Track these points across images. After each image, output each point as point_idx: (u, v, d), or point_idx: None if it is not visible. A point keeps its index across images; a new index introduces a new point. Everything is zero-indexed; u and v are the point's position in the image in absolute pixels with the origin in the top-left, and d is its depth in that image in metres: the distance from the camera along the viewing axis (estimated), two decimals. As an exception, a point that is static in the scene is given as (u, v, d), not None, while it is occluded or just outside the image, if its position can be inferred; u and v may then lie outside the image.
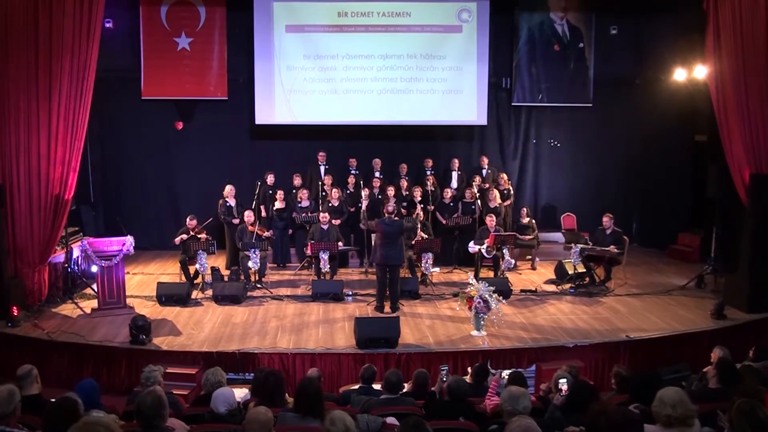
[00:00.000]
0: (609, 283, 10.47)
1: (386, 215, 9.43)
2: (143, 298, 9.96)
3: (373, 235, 10.24)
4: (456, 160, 12.70)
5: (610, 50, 13.33)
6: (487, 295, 8.31)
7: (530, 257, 12.13)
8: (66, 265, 9.87)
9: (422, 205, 11.57)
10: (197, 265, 10.29)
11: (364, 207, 11.29)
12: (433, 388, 6.11)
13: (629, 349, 8.26)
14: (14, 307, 8.58)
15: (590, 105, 13.42)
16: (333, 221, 10.98)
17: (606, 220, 10.55)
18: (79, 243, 9.91)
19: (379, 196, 11.85)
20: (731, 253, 10.03)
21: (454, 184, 12.56)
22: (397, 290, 9.38)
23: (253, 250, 10.14)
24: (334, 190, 11.74)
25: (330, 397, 6.06)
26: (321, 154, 12.51)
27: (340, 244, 10.72)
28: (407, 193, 11.98)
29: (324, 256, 10.28)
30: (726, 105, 9.53)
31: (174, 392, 6.16)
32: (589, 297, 10.04)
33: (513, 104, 13.48)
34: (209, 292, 10.10)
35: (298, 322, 8.99)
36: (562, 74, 13.30)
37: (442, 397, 5.71)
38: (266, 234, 10.89)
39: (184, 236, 10.40)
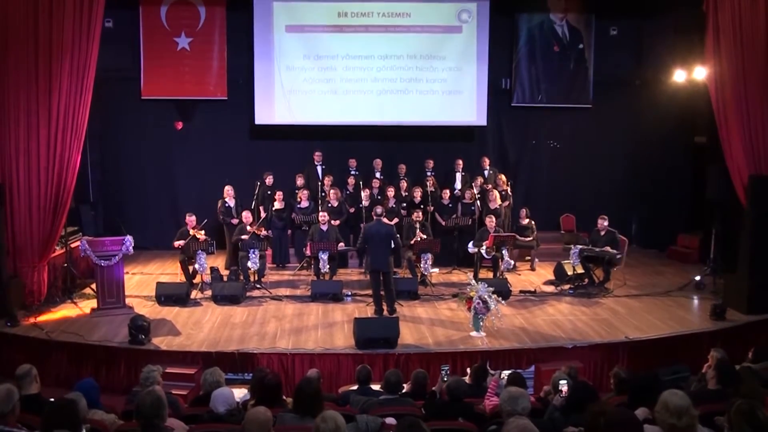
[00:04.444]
0: (608, 283, 10.47)
1: (374, 217, 9.40)
2: (142, 297, 9.95)
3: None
4: (460, 161, 12.69)
5: (609, 51, 13.33)
6: (486, 296, 8.31)
7: (529, 258, 12.13)
8: (65, 264, 9.87)
9: (422, 206, 11.55)
10: (196, 265, 10.29)
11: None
12: (433, 388, 6.12)
13: (628, 350, 8.26)
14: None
15: (590, 106, 13.43)
16: (332, 222, 10.98)
17: (600, 221, 10.57)
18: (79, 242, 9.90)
19: (379, 197, 11.86)
20: (730, 254, 10.03)
21: (458, 185, 12.54)
22: (392, 293, 9.32)
23: (252, 250, 10.14)
24: (332, 190, 11.74)
25: (329, 397, 6.06)
26: (317, 154, 12.51)
27: (341, 245, 10.72)
28: (407, 193, 11.98)
29: (323, 257, 10.29)
30: (725, 106, 9.53)
31: (173, 392, 6.17)
32: (588, 298, 10.05)
33: (513, 105, 13.47)
34: (208, 292, 10.10)
35: (298, 322, 8.99)
36: (562, 75, 13.31)
37: (443, 397, 5.71)
38: (264, 233, 10.87)
39: (182, 242, 10.37)
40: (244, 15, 12.62)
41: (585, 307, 9.68)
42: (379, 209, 9.45)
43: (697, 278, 10.51)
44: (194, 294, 10.10)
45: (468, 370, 6.85)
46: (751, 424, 3.67)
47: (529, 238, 11.67)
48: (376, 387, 6.14)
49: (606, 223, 10.56)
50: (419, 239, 10.58)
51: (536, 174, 13.83)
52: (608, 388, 6.42)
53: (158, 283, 9.98)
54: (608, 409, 3.79)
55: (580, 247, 10.34)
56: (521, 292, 10.38)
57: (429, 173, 12.49)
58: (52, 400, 4.49)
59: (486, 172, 12.66)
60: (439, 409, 5.25)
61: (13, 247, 9.17)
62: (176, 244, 10.42)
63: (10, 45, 8.89)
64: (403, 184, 12.16)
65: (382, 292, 9.22)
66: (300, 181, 12.07)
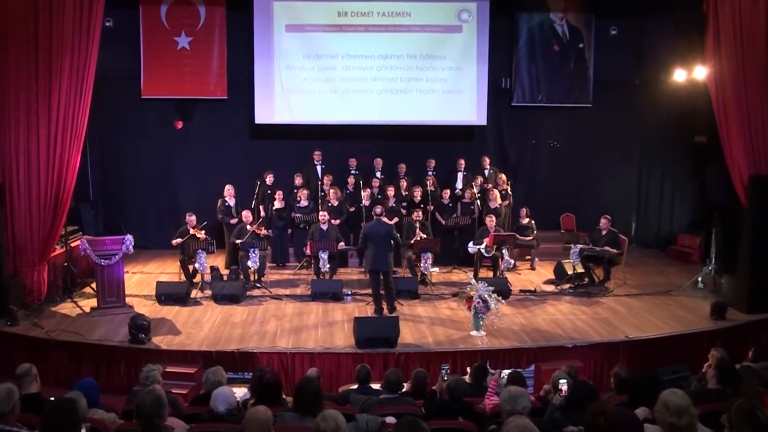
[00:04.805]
0: (608, 283, 10.48)
1: (374, 217, 9.42)
2: (142, 297, 9.95)
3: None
4: (462, 161, 12.69)
5: (609, 51, 13.32)
6: (486, 295, 8.31)
7: (529, 257, 12.13)
8: (66, 263, 9.87)
9: (422, 206, 11.55)
10: (196, 264, 10.29)
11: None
12: (434, 387, 6.12)
13: (628, 350, 8.27)
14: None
15: (590, 105, 13.42)
16: (332, 221, 10.98)
17: (603, 221, 10.58)
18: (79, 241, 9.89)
19: (379, 196, 11.86)
20: (731, 253, 10.03)
21: (460, 184, 12.54)
22: (392, 293, 9.34)
23: (252, 249, 10.14)
24: (332, 190, 11.74)
25: (329, 396, 6.07)
26: (317, 153, 12.50)
27: (341, 244, 10.72)
28: (407, 193, 11.98)
29: (323, 256, 10.30)
30: (726, 106, 9.52)
31: (173, 391, 6.16)
32: (588, 297, 10.05)
33: (513, 104, 13.47)
34: (208, 292, 10.10)
35: (298, 321, 8.99)
36: (562, 75, 13.30)
37: (443, 396, 5.71)
38: (264, 232, 10.85)
39: (179, 240, 10.37)
40: (244, 14, 12.60)
41: (585, 306, 9.69)
42: (378, 209, 9.46)
43: (701, 276, 10.52)
44: (194, 293, 10.10)
45: (468, 369, 6.85)
46: (751, 424, 3.66)
47: (529, 238, 11.67)
48: (376, 386, 6.14)
49: (609, 224, 10.56)
50: (419, 238, 10.59)
51: (536, 173, 13.83)
52: (608, 387, 6.43)
53: (158, 283, 9.98)
54: (608, 409, 3.79)
55: (580, 246, 10.35)
56: (521, 291, 10.39)
57: (430, 172, 12.49)
58: (52, 399, 4.49)
59: (486, 172, 12.65)
60: (439, 408, 5.25)
61: (13, 247, 9.17)
62: (174, 242, 10.43)
63: (10, 44, 8.88)
64: (403, 184, 12.16)
65: (382, 292, 9.23)
66: (298, 181, 12.07)
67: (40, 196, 9.16)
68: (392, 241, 9.34)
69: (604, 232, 10.53)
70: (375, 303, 9.28)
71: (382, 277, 9.20)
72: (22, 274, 9.26)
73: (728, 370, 5.49)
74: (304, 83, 12.80)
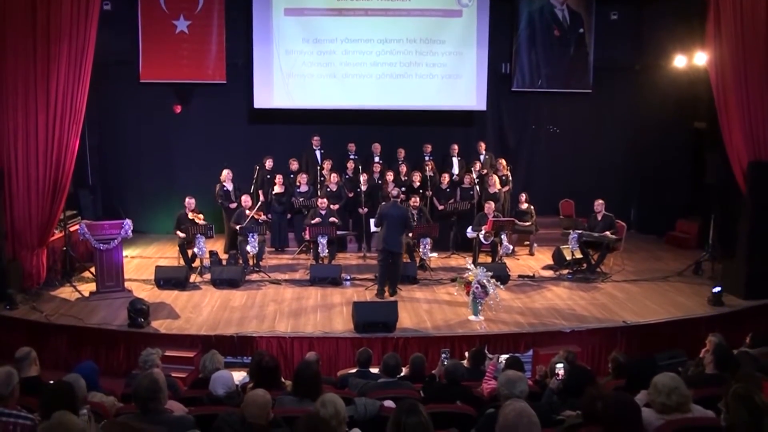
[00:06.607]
0: (600, 266, 10.48)
1: (391, 199, 9.44)
2: (141, 281, 9.97)
3: (372, 220, 10.23)
4: (455, 146, 12.66)
5: (610, 36, 13.27)
6: (484, 281, 8.34)
7: (528, 243, 12.14)
8: (64, 248, 9.87)
9: (421, 191, 11.54)
10: (195, 249, 10.29)
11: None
12: (433, 372, 6.15)
13: (626, 335, 8.30)
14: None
15: (590, 91, 13.37)
16: (331, 206, 10.98)
17: (597, 204, 10.54)
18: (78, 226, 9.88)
19: (379, 181, 11.84)
20: (729, 239, 10.04)
21: (455, 169, 12.52)
22: (398, 275, 9.41)
23: (251, 234, 10.14)
24: (332, 174, 11.73)
25: (328, 380, 6.09)
26: (315, 138, 12.44)
27: (333, 219, 10.72)
28: (406, 178, 11.96)
29: (322, 241, 10.31)
30: (726, 92, 9.49)
31: (172, 375, 6.19)
32: (586, 283, 10.08)
33: (512, 90, 13.42)
34: (207, 276, 10.10)
35: (296, 306, 9.02)
36: (562, 60, 13.25)
37: (441, 380, 5.73)
38: (263, 218, 10.83)
39: (181, 234, 10.39)
40: (243, -2, 12.55)
41: (583, 291, 9.71)
42: (395, 191, 9.54)
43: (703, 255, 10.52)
44: (193, 278, 10.11)
45: (466, 353, 6.87)
46: (748, 409, 3.68)
47: (528, 223, 11.68)
48: (374, 370, 6.17)
49: (603, 207, 10.53)
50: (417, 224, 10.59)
51: (535, 159, 13.80)
52: (606, 372, 6.46)
53: (157, 267, 10.00)
54: (605, 393, 3.81)
55: (579, 232, 10.35)
56: (520, 276, 10.41)
57: (427, 158, 12.46)
58: (51, 382, 4.51)
59: (482, 157, 12.62)
60: (438, 392, 5.27)
61: (12, 231, 9.16)
62: (178, 233, 10.43)
63: (8, 29, 8.81)
64: (403, 169, 12.13)
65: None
66: (294, 166, 12.04)
67: (39, 181, 9.14)
68: (405, 225, 9.39)
69: (599, 217, 10.49)
70: (379, 284, 9.30)
71: (391, 259, 9.23)
72: (21, 258, 9.26)
73: (725, 356, 5.51)
74: (303, 68, 12.74)
